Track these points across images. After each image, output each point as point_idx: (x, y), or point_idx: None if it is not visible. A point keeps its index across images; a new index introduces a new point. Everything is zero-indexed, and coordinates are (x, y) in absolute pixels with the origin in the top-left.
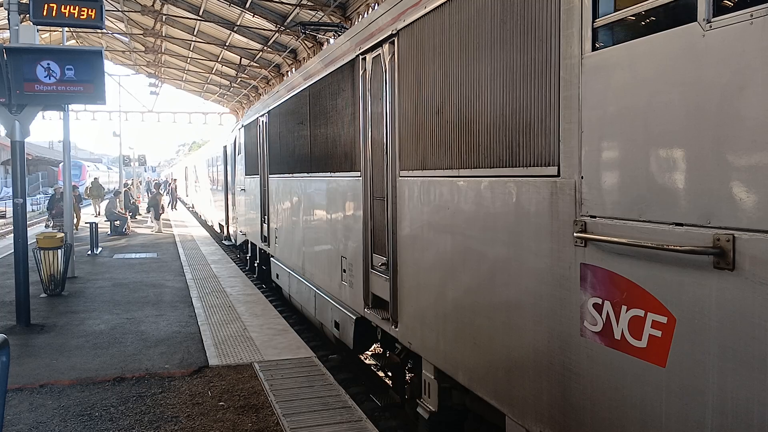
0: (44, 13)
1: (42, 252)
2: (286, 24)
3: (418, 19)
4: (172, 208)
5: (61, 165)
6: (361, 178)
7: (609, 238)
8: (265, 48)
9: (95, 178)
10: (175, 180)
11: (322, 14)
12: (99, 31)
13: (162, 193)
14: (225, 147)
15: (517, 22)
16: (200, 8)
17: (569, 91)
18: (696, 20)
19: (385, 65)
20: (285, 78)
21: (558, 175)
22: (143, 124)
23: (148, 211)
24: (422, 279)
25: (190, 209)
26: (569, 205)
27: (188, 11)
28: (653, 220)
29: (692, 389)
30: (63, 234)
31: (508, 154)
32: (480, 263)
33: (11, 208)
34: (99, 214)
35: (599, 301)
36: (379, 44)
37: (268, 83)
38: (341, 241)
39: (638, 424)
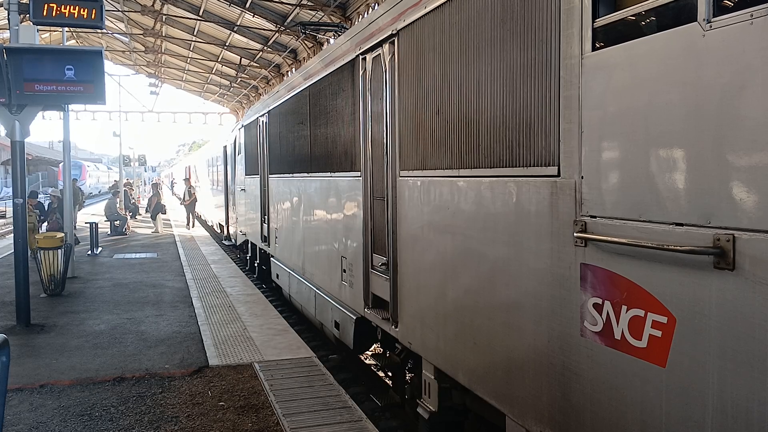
0: (44, 13)
1: (42, 252)
2: (286, 24)
3: (418, 19)
4: (188, 225)
5: (61, 165)
6: (361, 178)
7: (609, 238)
8: (265, 48)
9: (73, 180)
10: (187, 180)
11: (322, 14)
12: (99, 31)
13: (161, 193)
14: (225, 147)
15: (517, 22)
16: (200, 8)
17: (569, 91)
18: (696, 20)
19: (385, 65)
20: (285, 78)
21: (558, 175)
22: (143, 124)
23: (147, 212)
24: (422, 279)
25: None
26: (569, 205)
27: (188, 11)
28: (653, 220)
29: (692, 389)
30: (63, 234)
31: (508, 154)
32: (480, 263)
33: (11, 208)
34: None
35: (599, 301)
36: (379, 44)
37: (268, 83)
38: (341, 241)
39: (638, 424)
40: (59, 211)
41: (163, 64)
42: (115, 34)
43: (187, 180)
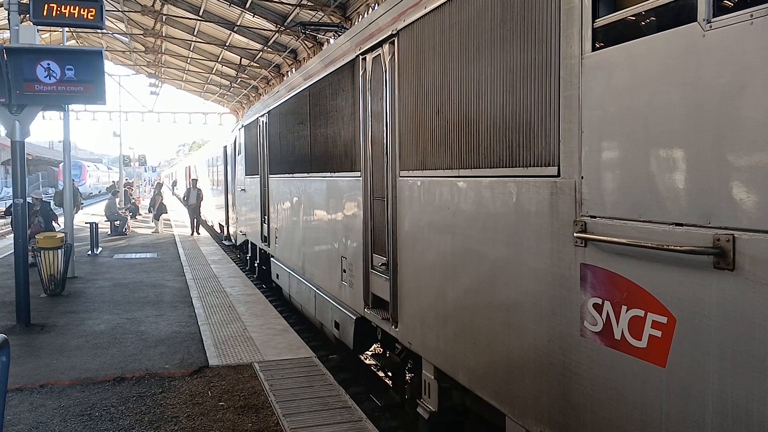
0: (44, 13)
1: (42, 252)
2: (286, 24)
3: (418, 19)
4: (193, 232)
5: (61, 165)
6: (361, 178)
7: (609, 238)
8: (265, 48)
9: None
10: (195, 181)
11: (322, 14)
12: (99, 31)
13: (162, 193)
14: (225, 147)
15: (517, 22)
16: (200, 8)
17: (569, 91)
18: (696, 20)
19: (385, 65)
20: (285, 78)
21: (558, 176)
22: (143, 124)
23: (149, 211)
24: (422, 279)
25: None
26: (569, 205)
27: (188, 11)
28: (653, 220)
29: (692, 389)
30: (63, 234)
31: (508, 154)
32: (480, 263)
33: (11, 208)
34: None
35: (599, 301)
36: (379, 44)
37: (268, 83)
38: (341, 241)
39: (638, 424)
40: (41, 213)
41: (163, 64)
42: (115, 34)
43: (195, 180)
